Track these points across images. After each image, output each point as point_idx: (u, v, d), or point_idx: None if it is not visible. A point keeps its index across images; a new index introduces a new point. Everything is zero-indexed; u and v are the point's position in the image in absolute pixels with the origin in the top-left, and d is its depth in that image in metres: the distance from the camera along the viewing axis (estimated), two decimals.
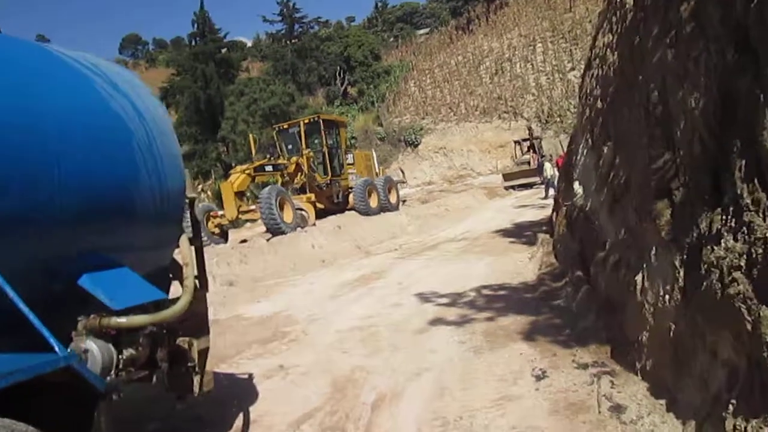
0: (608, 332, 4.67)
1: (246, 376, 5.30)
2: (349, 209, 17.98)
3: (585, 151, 7.17)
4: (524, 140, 31.23)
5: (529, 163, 27.88)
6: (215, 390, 4.01)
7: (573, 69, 41.54)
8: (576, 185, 7.58)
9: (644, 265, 3.89)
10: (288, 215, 14.05)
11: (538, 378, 4.27)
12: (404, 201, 22.34)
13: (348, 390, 4.62)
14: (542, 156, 28.29)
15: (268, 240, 12.97)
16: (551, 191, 21.77)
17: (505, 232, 13.38)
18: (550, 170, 21.88)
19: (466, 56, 50.58)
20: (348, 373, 5.04)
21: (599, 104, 6.28)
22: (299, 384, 4.94)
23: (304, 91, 53.48)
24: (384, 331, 6.28)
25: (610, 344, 4.51)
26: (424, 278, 9.16)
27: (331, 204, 17.73)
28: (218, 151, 46.21)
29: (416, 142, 44.76)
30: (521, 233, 12.80)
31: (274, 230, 13.44)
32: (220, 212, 14.45)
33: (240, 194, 14.38)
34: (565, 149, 13.25)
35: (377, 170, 21.03)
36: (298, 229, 14.37)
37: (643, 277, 3.90)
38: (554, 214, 10.62)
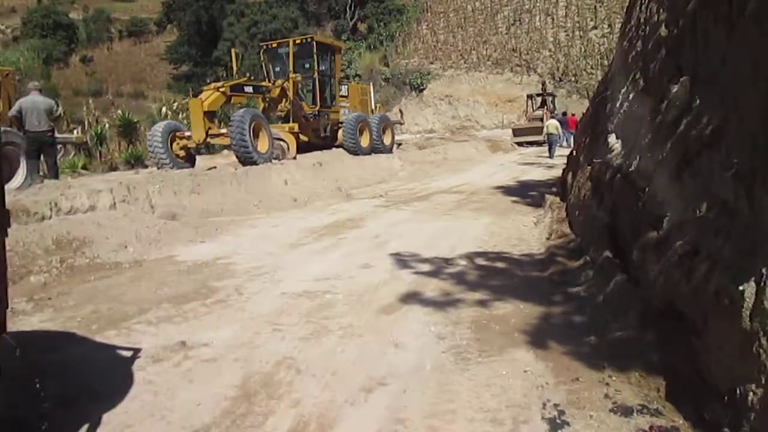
0: (664, 354, 3.06)
1: (128, 354, 3.70)
2: (337, 146, 16.24)
3: (630, 96, 5.45)
4: (537, 95, 29.34)
5: (541, 119, 26.08)
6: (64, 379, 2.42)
7: (595, 27, 39.47)
8: (612, 139, 5.88)
9: (763, 271, 2.25)
10: (263, 144, 12.31)
11: (553, 425, 2.68)
12: (399, 144, 20.60)
13: (258, 402, 3.03)
14: (554, 113, 26.53)
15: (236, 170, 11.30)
16: (556, 150, 20.22)
17: (508, 190, 11.72)
18: (554, 128, 20.19)
19: (484, 2, 47.94)
20: (270, 368, 3.45)
21: (663, 31, 4.53)
22: (194, 379, 3.34)
23: (311, 21, 51.08)
24: (340, 303, 4.68)
25: (668, 377, 2.92)
26: (406, 234, 7.55)
27: (317, 138, 15.95)
28: (217, 75, 44.08)
29: (422, 87, 42.77)
30: (526, 192, 11.17)
31: (245, 159, 11.74)
32: (187, 133, 12.68)
33: (211, 115, 12.55)
34: (593, 100, 11.48)
35: (373, 107, 19.14)
36: (274, 161, 12.67)
37: (758, 290, 2.26)
38: (568, 174, 8.95)
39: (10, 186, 9.01)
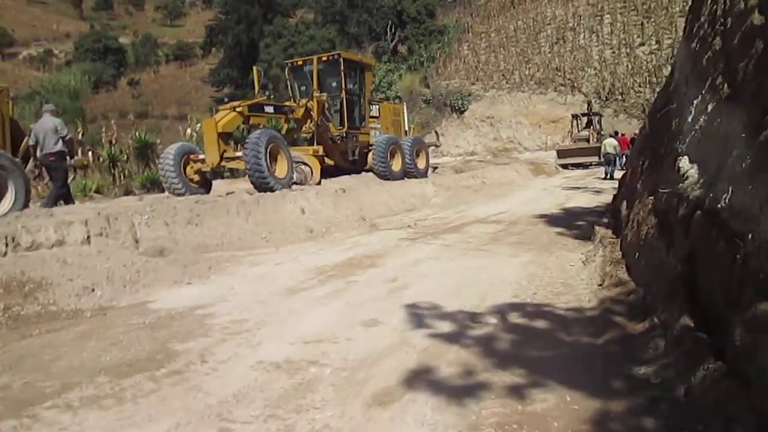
0: None
1: None
2: (367, 170, 15.18)
3: (709, 108, 4.20)
4: (583, 115, 27.91)
5: (588, 140, 24.66)
6: None
7: (642, 44, 37.95)
8: (683, 164, 4.61)
9: None
10: (281, 168, 11.32)
11: None
12: (435, 168, 19.44)
13: None
14: (600, 133, 25.07)
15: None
16: (616, 172, 18.88)
17: (551, 219, 10.44)
18: (612, 147, 18.81)
19: (527, 22, 46.79)
20: None
21: (757, 18, 3.31)
22: None
23: (352, 43, 50.68)
24: (326, 382, 3.54)
25: None
26: (430, 276, 6.38)
27: (345, 161, 14.91)
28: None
29: (462, 109, 41.77)
30: (572, 222, 9.90)
31: (260, 185, 10.75)
32: (201, 156, 11.77)
33: (226, 136, 11.63)
34: (651, 118, 10.16)
35: (407, 128, 18.01)
36: (297, 187, 11.68)
37: None
38: (622, 203, 7.65)
39: None
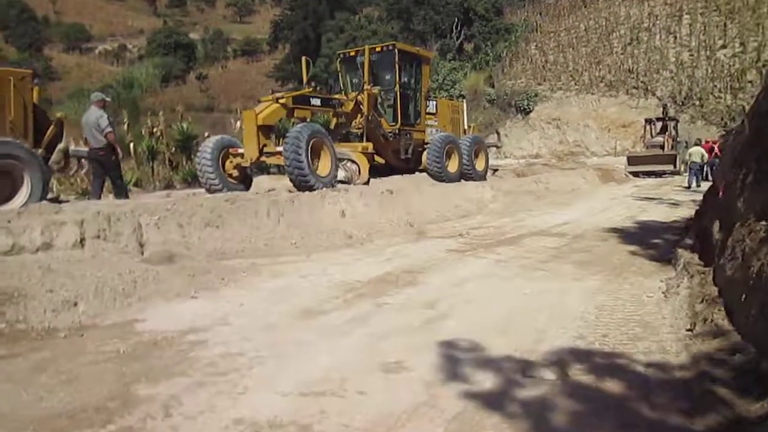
0: None
1: None
2: (421, 170, 14.13)
3: None
4: (658, 119, 26.01)
5: (662, 146, 22.88)
6: None
7: (724, 47, 35.52)
8: None
9: None
10: (324, 166, 10.43)
11: None
12: (495, 170, 18.21)
13: None
14: (676, 140, 23.27)
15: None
16: (698, 182, 17.33)
17: (623, 234, 9.17)
18: (699, 155, 17.21)
19: (599, 21, 44.63)
20: None
21: None
22: None
23: (416, 40, 49.64)
24: None
25: None
26: (476, 301, 5.33)
27: (397, 160, 13.89)
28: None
29: (528, 109, 40.11)
30: (647, 239, 8.63)
31: (300, 183, 9.89)
32: (241, 150, 11.00)
33: (266, 130, 10.78)
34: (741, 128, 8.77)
35: (465, 126, 16.84)
36: (343, 186, 10.77)
37: None
38: (713, 223, 6.36)
39: (7, 207, 7.55)
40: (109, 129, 10.48)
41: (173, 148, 15.87)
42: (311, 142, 10.02)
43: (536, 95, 40.26)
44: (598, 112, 37.36)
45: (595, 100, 38.13)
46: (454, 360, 3.85)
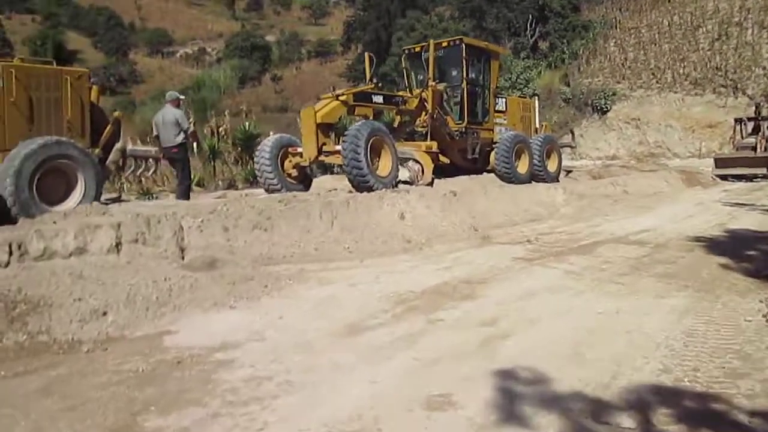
0: None
1: None
2: (489, 171, 13.42)
3: None
4: (749, 119, 24.14)
5: (754, 148, 21.16)
6: None
7: None
8: None
9: None
10: (384, 166, 9.95)
11: None
12: (569, 172, 17.22)
13: None
14: None
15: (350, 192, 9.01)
16: None
17: (712, 244, 8.21)
18: None
19: (684, 16, 42.16)
20: None
21: None
22: None
23: (489, 38, 48.58)
24: None
25: None
26: (542, 319, 4.70)
27: (464, 160, 13.23)
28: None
29: (605, 109, 38.37)
30: (739, 250, 7.67)
31: (359, 184, 9.45)
32: (300, 149, 10.65)
33: (326, 128, 10.37)
34: None
35: (537, 125, 15.98)
36: (406, 187, 10.26)
37: None
38: None
39: (62, 207, 7.43)
40: (192, 128, 10.52)
41: (238, 148, 15.79)
42: (371, 141, 9.55)
43: (614, 94, 38.50)
44: (681, 112, 35.33)
45: (678, 99, 36.06)
46: (512, 395, 3.26)
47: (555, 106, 41.02)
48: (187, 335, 4.33)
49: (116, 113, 10.29)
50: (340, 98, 10.35)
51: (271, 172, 10.35)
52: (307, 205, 7.29)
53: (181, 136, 10.43)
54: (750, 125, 24.17)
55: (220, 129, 16.15)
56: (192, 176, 11.78)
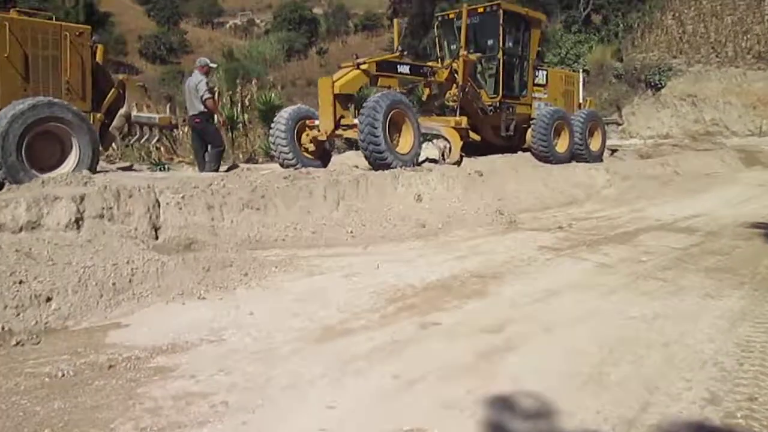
0: None
1: None
2: (525, 149, 12.46)
3: None
4: None
5: None
6: None
7: None
8: None
9: None
10: (405, 142, 9.15)
11: None
12: (614, 151, 16.04)
13: None
14: None
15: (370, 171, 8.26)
16: None
17: None
18: None
19: None
20: None
21: None
22: None
23: (538, 11, 46.78)
24: None
25: None
26: (560, 327, 3.94)
27: (497, 137, 12.30)
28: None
29: (659, 85, 36.44)
30: None
31: (375, 161, 8.69)
32: (317, 122, 9.91)
33: (345, 99, 9.55)
34: None
35: (581, 100, 14.83)
36: (431, 165, 9.49)
37: None
38: None
39: (54, 174, 6.89)
40: (208, 95, 10.04)
41: (255, 118, 15.13)
42: (390, 114, 8.76)
43: (670, 69, 36.51)
44: (742, 87, 33.32)
45: (740, 74, 34.00)
46: None
47: (606, 82, 39.31)
48: (137, 331, 3.72)
49: (121, 76, 9.72)
50: (361, 67, 9.53)
51: (286, 146, 9.65)
52: (311, 182, 6.58)
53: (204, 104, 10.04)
54: None
55: (245, 99, 15.52)
56: (223, 144, 11.28)
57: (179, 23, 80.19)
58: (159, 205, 5.20)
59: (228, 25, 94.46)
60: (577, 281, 5.09)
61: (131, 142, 9.98)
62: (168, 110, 10.06)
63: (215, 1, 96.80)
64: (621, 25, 43.89)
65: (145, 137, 9.51)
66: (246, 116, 15.31)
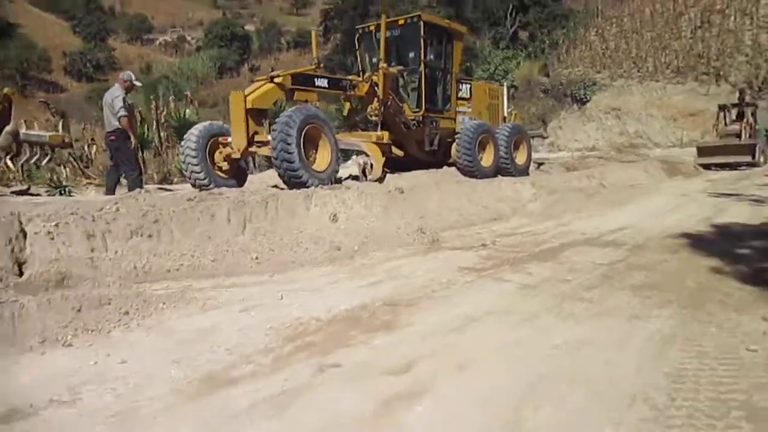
0: None
1: None
2: (450, 164, 12.18)
3: None
4: (734, 106, 23.27)
5: (738, 135, 20.28)
6: None
7: None
8: None
9: None
10: (322, 159, 8.71)
11: None
12: (540, 165, 16.03)
13: None
14: (754, 128, 20.63)
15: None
16: None
17: (698, 243, 7.09)
18: None
19: (666, 5, 41.35)
20: None
21: None
22: None
23: (468, 28, 47.43)
24: None
25: None
26: (476, 363, 3.52)
27: (421, 152, 11.99)
28: None
29: (585, 99, 37.51)
30: (731, 248, 6.63)
31: (290, 179, 8.21)
32: (230, 138, 9.33)
33: (258, 115, 9.06)
34: None
35: (506, 113, 14.71)
36: (349, 182, 9.03)
37: None
38: None
39: None
40: (124, 112, 9.34)
41: (166, 137, 14.33)
42: (305, 129, 8.30)
43: (594, 84, 37.61)
44: (663, 101, 34.53)
45: (660, 87, 35.26)
46: None
47: (534, 97, 40.10)
48: None
49: (6, 90, 8.89)
50: (275, 80, 9.03)
51: (197, 165, 9.02)
52: (213, 204, 6.00)
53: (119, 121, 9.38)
54: (734, 112, 23.34)
55: (161, 115, 14.70)
56: (138, 167, 10.49)
57: (107, 39, 77.68)
58: (25, 236, 4.53)
59: (158, 42, 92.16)
60: (497, 306, 4.70)
61: (20, 162, 9.10)
62: (61, 128, 9.27)
63: (145, 18, 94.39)
64: (547, 42, 45.12)
65: (36, 157, 8.70)
66: (164, 134, 14.52)
